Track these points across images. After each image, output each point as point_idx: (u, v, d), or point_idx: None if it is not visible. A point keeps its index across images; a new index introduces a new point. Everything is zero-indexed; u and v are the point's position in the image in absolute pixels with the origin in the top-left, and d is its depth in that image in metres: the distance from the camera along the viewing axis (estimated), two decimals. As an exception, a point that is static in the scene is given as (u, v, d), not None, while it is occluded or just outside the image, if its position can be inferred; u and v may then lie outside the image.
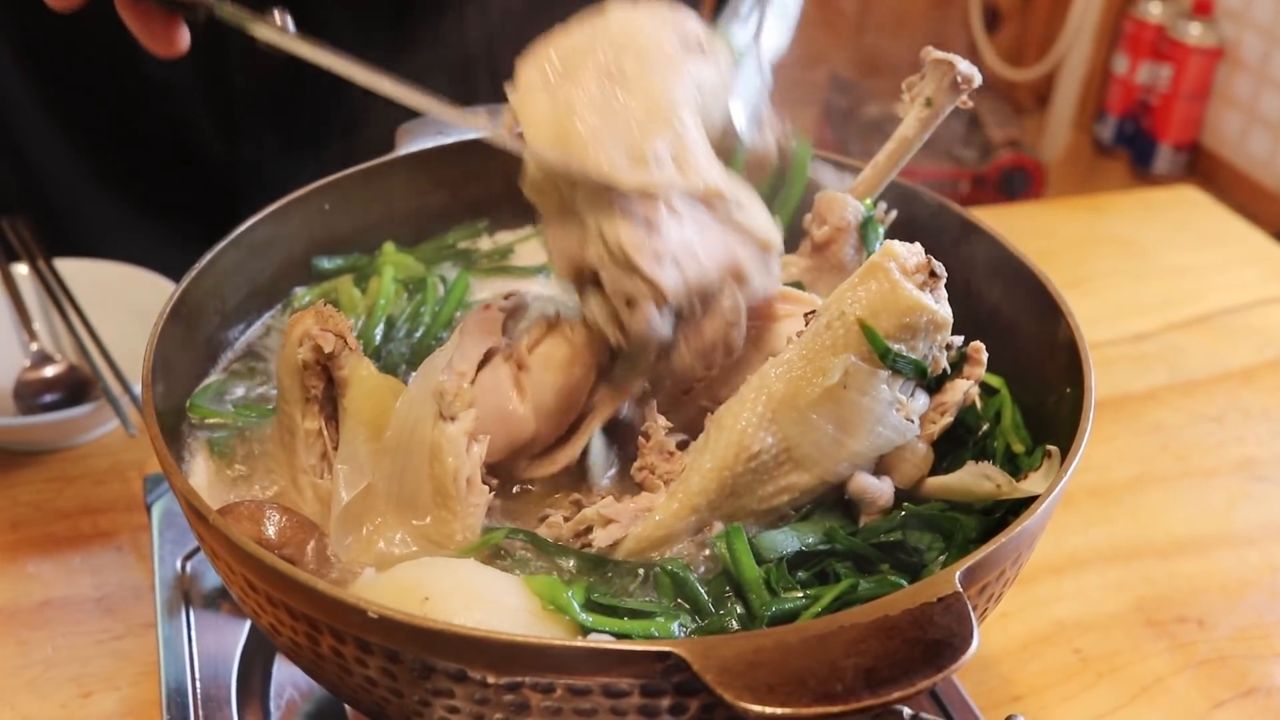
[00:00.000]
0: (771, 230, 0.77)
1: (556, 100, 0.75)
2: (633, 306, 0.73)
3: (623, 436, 0.81)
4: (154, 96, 1.38)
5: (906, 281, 0.70)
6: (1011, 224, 1.63)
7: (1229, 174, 2.85)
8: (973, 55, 3.17)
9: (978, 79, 0.85)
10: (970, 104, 0.88)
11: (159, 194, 1.45)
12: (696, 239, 0.74)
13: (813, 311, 0.73)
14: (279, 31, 0.81)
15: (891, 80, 2.84)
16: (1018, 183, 2.86)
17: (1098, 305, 1.49)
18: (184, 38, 0.85)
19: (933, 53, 0.86)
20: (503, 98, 0.77)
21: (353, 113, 1.47)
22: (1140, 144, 2.95)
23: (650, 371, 0.78)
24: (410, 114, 1.02)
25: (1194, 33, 2.82)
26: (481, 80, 1.56)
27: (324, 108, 1.45)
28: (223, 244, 0.86)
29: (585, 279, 0.77)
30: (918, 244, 0.73)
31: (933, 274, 0.71)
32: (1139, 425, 1.30)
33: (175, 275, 1.16)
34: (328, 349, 0.73)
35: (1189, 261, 1.60)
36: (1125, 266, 1.58)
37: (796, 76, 2.97)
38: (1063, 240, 1.61)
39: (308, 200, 0.91)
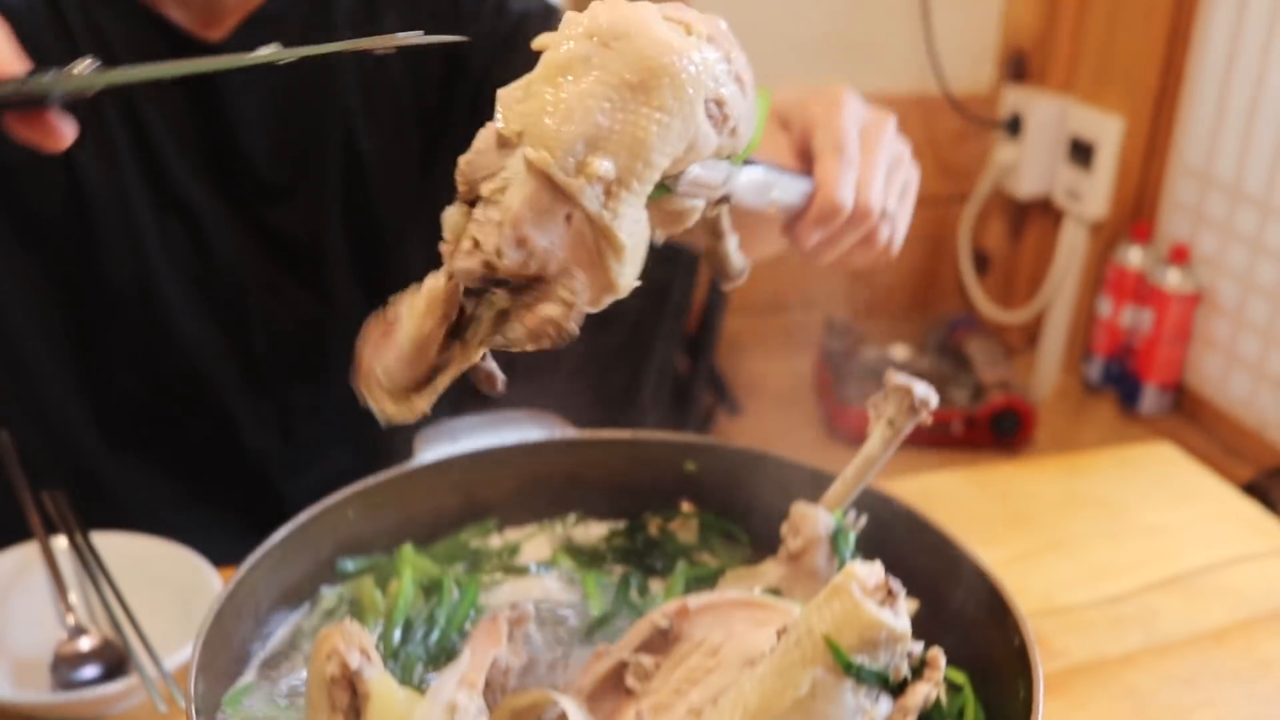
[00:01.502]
0: (624, 289, 0.82)
1: (562, 81, 0.79)
2: (470, 250, 0.79)
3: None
4: (179, 356, 1.47)
5: (867, 601, 0.79)
6: (992, 486, 1.72)
7: (1212, 414, 2.95)
8: (963, 297, 3.31)
9: (934, 402, 0.95)
10: (930, 420, 0.98)
11: (187, 461, 1.53)
12: (560, 247, 0.79)
13: (784, 629, 0.82)
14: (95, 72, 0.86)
15: (887, 323, 2.96)
16: (1009, 424, 2.96)
17: (1076, 568, 1.56)
18: (65, 129, 0.87)
19: (893, 378, 0.97)
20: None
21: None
22: (1126, 384, 3.06)
23: (489, 334, 0.83)
24: (429, 421, 1.14)
25: (1172, 279, 2.95)
26: None
27: (346, 368, 1.55)
28: (259, 554, 0.95)
29: (469, 196, 0.82)
30: (878, 563, 0.82)
31: (890, 592, 0.80)
32: (1114, 690, 1.37)
33: (204, 542, 1.24)
34: (353, 665, 0.82)
35: (1164, 520, 1.68)
36: (1103, 527, 1.66)
37: (793, 321, 3.10)
38: (1042, 501, 1.69)
39: (335, 509, 1.01)
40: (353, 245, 1.50)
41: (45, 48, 1.37)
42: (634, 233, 0.81)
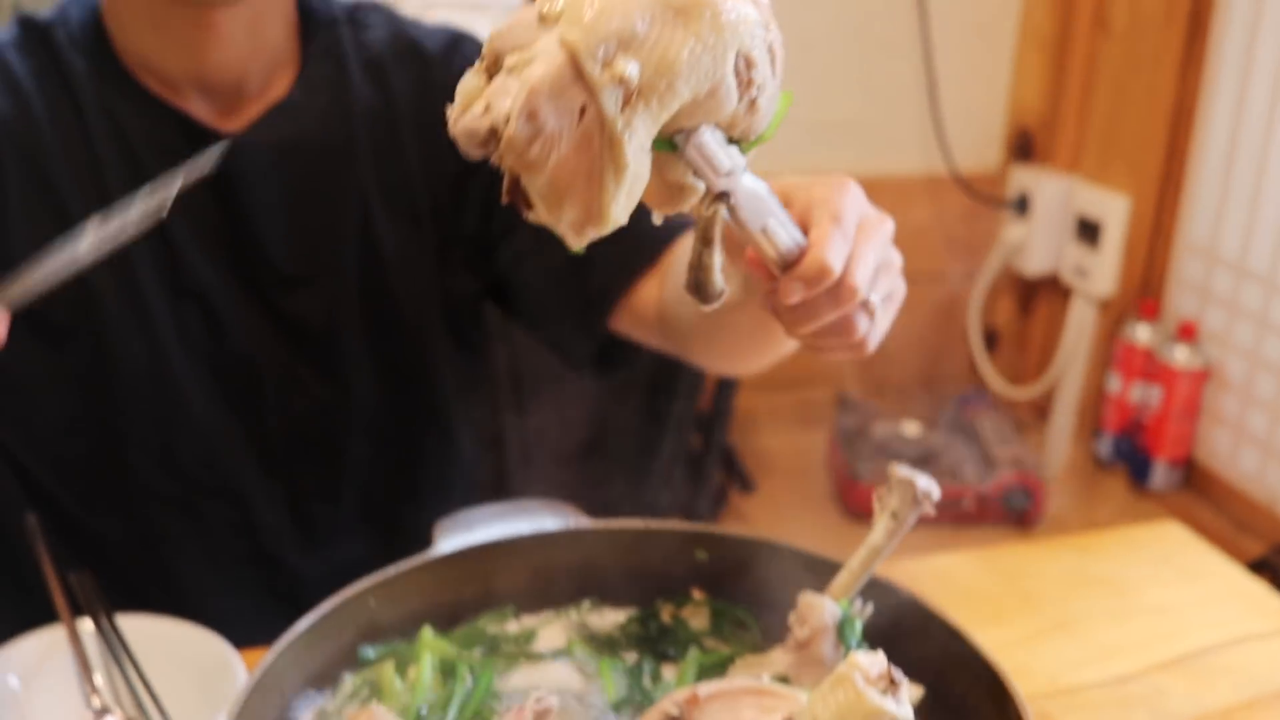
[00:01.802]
0: (612, 220, 0.85)
1: None
2: (481, 114, 0.80)
3: None
4: (192, 438, 1.50)
5: (869, 690, 0.82)
6: (1002, 565, 1.74)
7: (1222, 489, 2.97)
8: (974, 373, 3.35)
9: (936, 495, 0.99)
10: (934, 512, 1.01)
11: (204, 543, 1.55)
12: (566, 140, 0.80)
13: (790, 717, 0.85)
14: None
15: (898, 399, 2.99)
16: (1020, 500, 2.98)
17: (1083, 648, 1.58)
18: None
19: (897, 472, 1.00)
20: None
21: (389, 477, 1.61)
22: (1136, 460, 3.08)
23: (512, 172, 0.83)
24: (448, 510, 1.17)
25: (1180, 356, 2.99)
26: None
27: (360, 453, 1.57)
28: (284, 642, 0.98)
29: (492, 67, 0.83)
30: (880, 653, 0.85)
31: (892, 681, 0.83)
32: (1121, 770, 1.39)
33: (223, 622, 1.27)
34: (381, 749, 0.85)
35: (1171, 599, 1.70)
36: (1110, 606, 1.67)
37: (805, 397, 3.13)
38: (1050, 581, 1.71)
39: (357, 598, 1.04)
40: (368, 333, 1.53)
41: (61, 142, 1.41)
42: (637, 160, 0.82)
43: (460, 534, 1.13)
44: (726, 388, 2.62)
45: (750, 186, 0.92)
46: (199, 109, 1.44)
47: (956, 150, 3.12)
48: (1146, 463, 3.05)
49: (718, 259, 0.96)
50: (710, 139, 0.86)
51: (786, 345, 1.33)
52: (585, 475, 1.59)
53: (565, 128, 0.79)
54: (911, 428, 3.14)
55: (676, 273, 1.41)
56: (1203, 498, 3.02)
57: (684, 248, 1.43)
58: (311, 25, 1.51)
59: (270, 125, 1.46)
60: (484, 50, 0.83)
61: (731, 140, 0.89)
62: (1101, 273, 3.13)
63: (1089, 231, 3.15)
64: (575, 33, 0.78)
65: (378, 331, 1.53)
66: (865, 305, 1.02)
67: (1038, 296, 3.36)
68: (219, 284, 1.47)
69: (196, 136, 1.43)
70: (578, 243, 0.87)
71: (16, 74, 1.43)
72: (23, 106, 1.41)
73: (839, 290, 1.00)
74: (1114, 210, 3.09)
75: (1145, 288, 3.14)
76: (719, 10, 0.81)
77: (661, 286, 1.44)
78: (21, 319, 1.41)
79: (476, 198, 1.53)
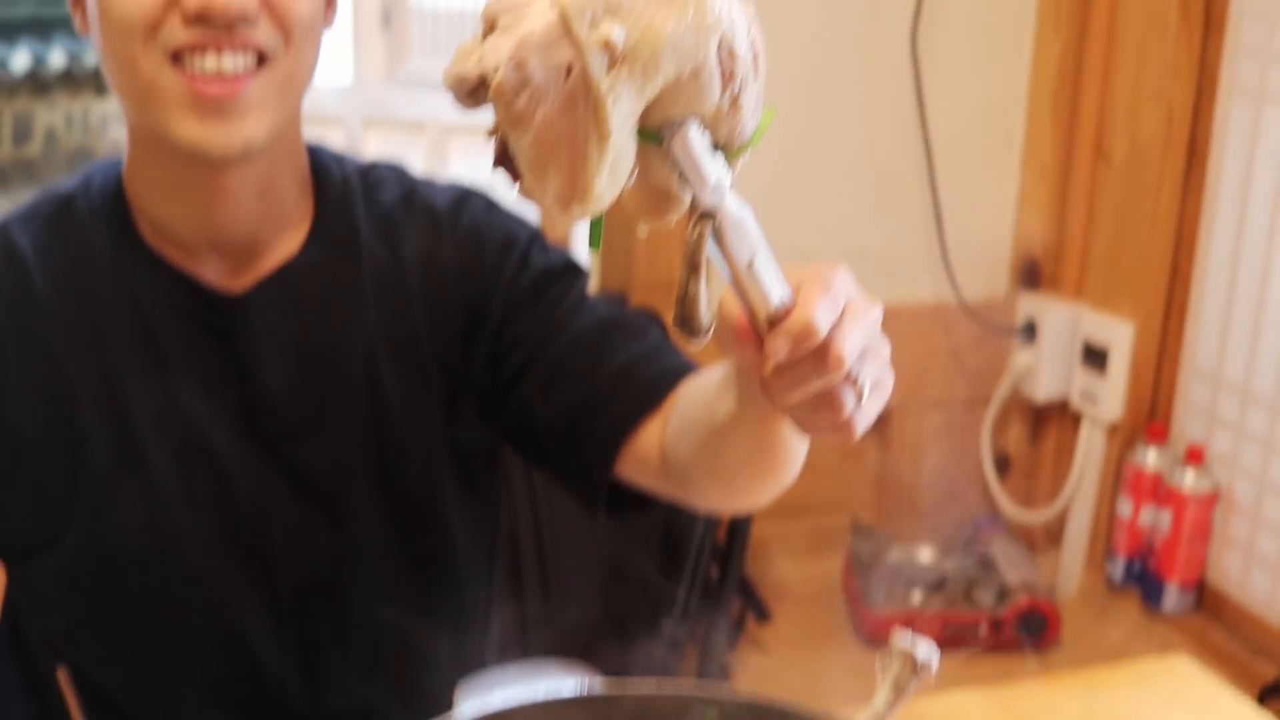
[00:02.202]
0: (594, 197, 0.89)
1: None
2: (474, 63, 0.87)
3: None
4: (195, 588, 1.51)
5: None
6: (1014, 704, 1.77)
7: (1235, 611, 2.99)
8: (985, 499, 3.39)
9: (934, 665, 1.03)
10: (933, 677, 1.05)
11: (210, 694, 1.57)
12: (552, 96, 0.85)
13: None
14: None
15: (912, 525, 3.01)
16: (1034, 625, 3.00)
17: (1095, 787, 1.61)
18: None
19: (898, 642, 1.04)
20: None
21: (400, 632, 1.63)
22: (1149, 583, 3.10)
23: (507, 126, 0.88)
24: (459, 660, 1.22)
25: (1188, 480, 3.02)
26: None
27: (371, 603, 1.59)
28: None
29: (486, 31, 0.89)
30: None
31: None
32: None
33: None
34: None
35: (1181, 735, 1.73)
36: (1120, 744, 1.71)
37: (819, 524, 3.17)
38: (1063, 718, 1.74)
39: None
40: (378, 483, 1.55)
41: (65, 313, 1.46)
42: (620, 132, 0.86)
43: (480, 693, 1.17)
44: (742, 518, 2.65)
45: (737, 211, 0.94)
46: (210, 271, 1.48)
47: (964, 279, 3.19)
48: (1159, 586, 3.07)
49: (704, 289, 0.98)
50: (695, 137, 0.90)
51: (787, 468, 1.32)
52: (603, 627, 1.62)
53: (552, 84, 0.85)
54: (925, 553, 3.17)
55: (678, 411, 1.42)
56: (1215, 620, 3.04)
57: (685, 390, 1.44)
58: (324, 184, 1.56)
59: (280, 284, 1.50)
60: (481, 15, 0.89)
61: (717, 148, 0.92)
62: (1109, 398, 3.18)
63: (1096, 357, 3.20)
64: None
65: (387, 482, 1.56)
66: (852, 381, 1.01)
67: (1047, 422, 3.40)
68: (226, 439, 1.49)
69: (206, 301, 1.47)
70: (564, 220, 0.90)
71: (21, 249, 1.47)
72: (25, 281, 1.46)
73: (825, 357, 0.98)
74: (1119, 336, 3.15)
75: (1153, 412, 3.19)
76: None
77: (664, 431, 1.45)
78: (18, 494, 1.46)
79: (483, 352, 1.56)
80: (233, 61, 1.34)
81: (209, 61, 1.33)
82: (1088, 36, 3.20)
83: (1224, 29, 2.99)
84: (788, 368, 1.00)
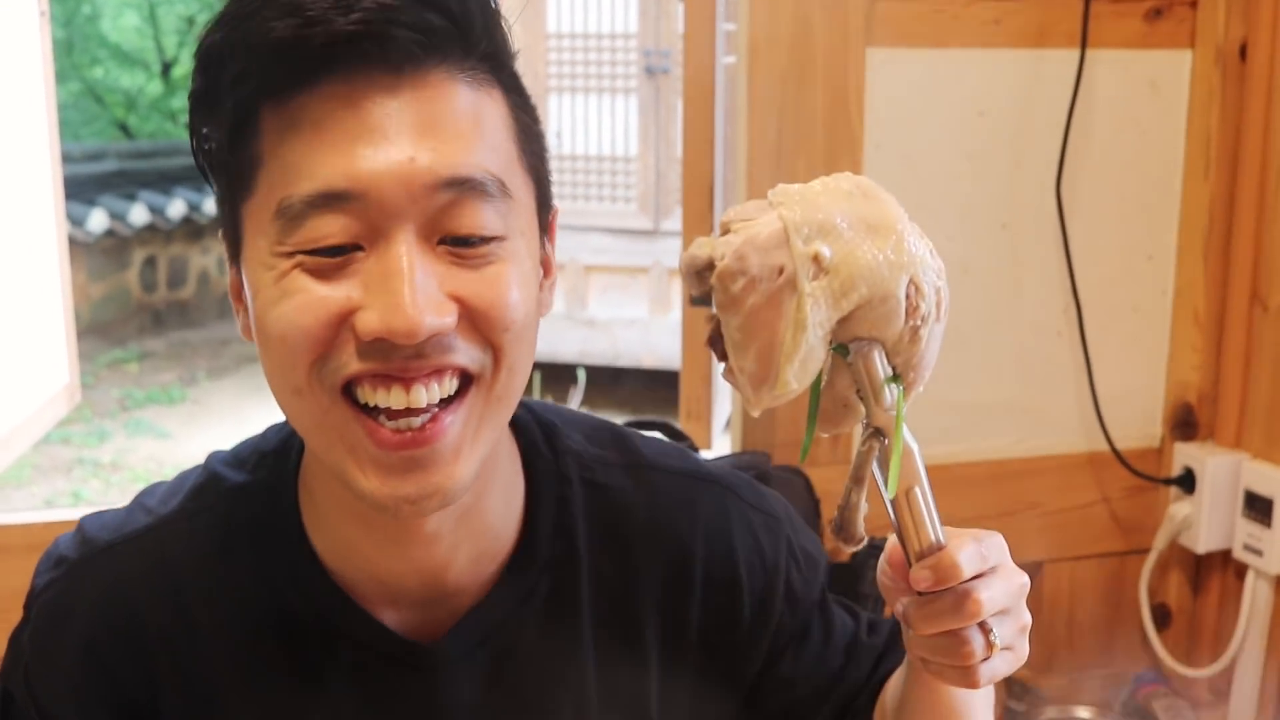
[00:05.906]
0: (782, 383, 1.01)
1: (824, 193, 1.04)
2: (715, 245, 1.03)
3: None
4: None
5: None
6: None
7: None
8: (1146, 653, 3.28)
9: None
10: None
11: None
12: (763, 289, 1.00)
13: None
14: None
15: (1067, 681, 2.92)
16: (1203, 790, 2.89)
17: None
18: None
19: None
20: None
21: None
22: (1325, 747, 2.97)
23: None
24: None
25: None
26: None
27: None
28: None
29: (722, 233, 1.05)
30: None
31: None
32: None
33: None
34: None
35: None
36: None
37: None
38: None
39: None
40: None
41: (221, 647, 1.26)
42: (814, 327, 1.00)
43: None
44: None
45: (905, 438, 1.05)
46: (391, 615, 1.26)
47: (1116, 428, 3.13)
48: (1335, 750, 2.94)
49: (862, 505, 1.10)
50: (877, 357, 1.04)
51: None
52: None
53: (765, 278, 0.99)
54: (1084, 713, 3.07)
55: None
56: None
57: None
58: (535, 491, 1.30)
59: (478, 627, 1.27)
60: (721, 221, 1.03)
61: (895, 375, 1.05)
62: (1275, 549, 3.07)
63: (1260, 506, 3.11)
64: (791, 212, 1.00)
65: None
66: (985, 631, 1.06)
67: (1209, 573, 3.30)
68: None
69: (393, 650, 1.25)
70: (755, 404, 1.02)
71: (180, 566, 1.26)
72: (183, 613, 1.25)
73: (965, 600, 1.03)
74: (1283, 486, 3.05)
75: (1321, 564, 3.07)
76: (903, 237, 1.01)
77: None
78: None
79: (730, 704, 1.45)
80: (425, 394, 1.05)
81: (394, 397, 1.05)
82: (1239, 179, 3.16)
83: (1382, 173, 2.94)
84: (926, 601, 1.04)
